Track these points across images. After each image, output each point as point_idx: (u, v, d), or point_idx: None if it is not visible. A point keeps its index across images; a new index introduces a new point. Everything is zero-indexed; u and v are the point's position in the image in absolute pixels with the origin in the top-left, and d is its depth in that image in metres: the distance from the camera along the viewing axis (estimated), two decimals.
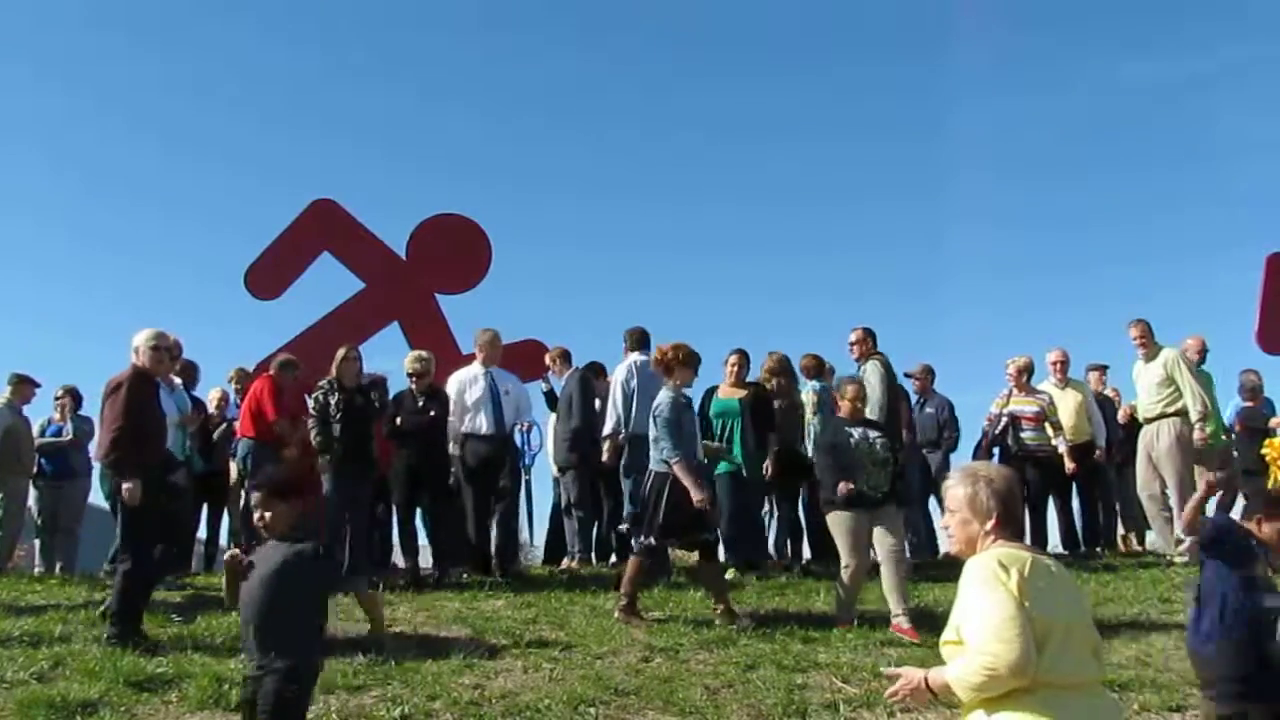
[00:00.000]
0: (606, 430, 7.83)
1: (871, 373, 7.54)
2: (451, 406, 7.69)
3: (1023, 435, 8.41)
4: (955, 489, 2.70)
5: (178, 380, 7.62)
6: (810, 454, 7.50)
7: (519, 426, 8.46)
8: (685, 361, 6.19)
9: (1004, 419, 8.47)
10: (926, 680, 2.56)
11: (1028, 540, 3.12)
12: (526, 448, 8.91)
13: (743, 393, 7.64)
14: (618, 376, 7.91)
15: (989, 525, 2.60)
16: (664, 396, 6.13)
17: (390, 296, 9.00)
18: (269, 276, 8.83)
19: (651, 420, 6.11)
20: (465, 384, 7.81)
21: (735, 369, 7.74)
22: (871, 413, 6.93)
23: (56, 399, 8.91)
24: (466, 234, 9.31)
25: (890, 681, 2.69)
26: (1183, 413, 8.07)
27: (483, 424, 7.67)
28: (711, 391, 7.74)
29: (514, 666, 5.11)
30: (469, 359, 8.62)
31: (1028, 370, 8.64)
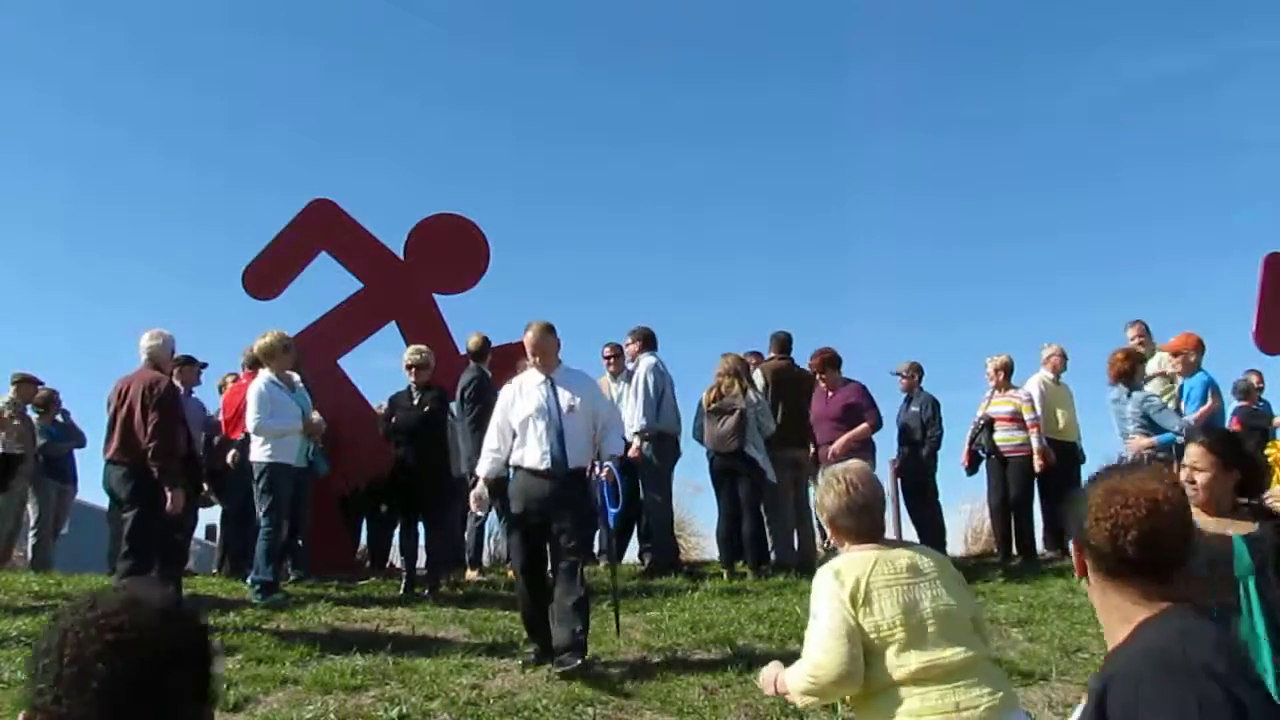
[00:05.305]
0: (637, 428, 7.78)
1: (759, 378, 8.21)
2: (505, 426, 5.47)
3: (995, 436, 8.34)
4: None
5: (296, 377, 7.12)
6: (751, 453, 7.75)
7: (597, 469, 5.52)
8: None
9: (981, 421, 8.47)
10: (777, 679, 2.63)
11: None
12: (604, 498, 5.59)
13: None
14: (642, 375, 7.92)
15: (831, 533, 2.74)
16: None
17: (388, 297, 8.97)
18: (267, 276, 8.80)
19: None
20: (512, 397, 5.49)
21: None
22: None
23: (39, 403, 8.88)
24: (464, 234, 9.28)
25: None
26: None
27: (532, 453, 5.29)
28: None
29: (512, 666, 5.10)
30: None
31: (1005, 369, 8.56)
